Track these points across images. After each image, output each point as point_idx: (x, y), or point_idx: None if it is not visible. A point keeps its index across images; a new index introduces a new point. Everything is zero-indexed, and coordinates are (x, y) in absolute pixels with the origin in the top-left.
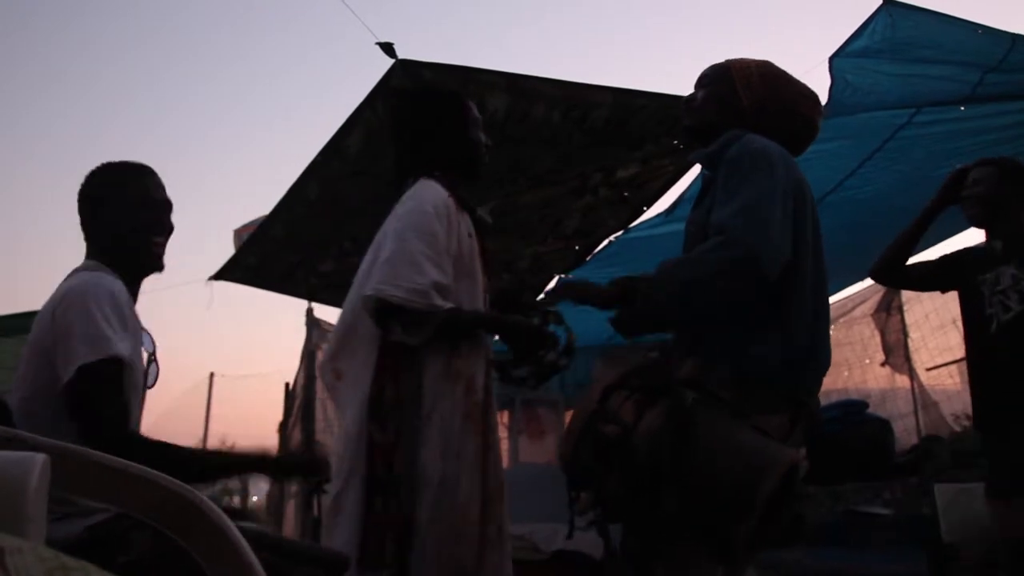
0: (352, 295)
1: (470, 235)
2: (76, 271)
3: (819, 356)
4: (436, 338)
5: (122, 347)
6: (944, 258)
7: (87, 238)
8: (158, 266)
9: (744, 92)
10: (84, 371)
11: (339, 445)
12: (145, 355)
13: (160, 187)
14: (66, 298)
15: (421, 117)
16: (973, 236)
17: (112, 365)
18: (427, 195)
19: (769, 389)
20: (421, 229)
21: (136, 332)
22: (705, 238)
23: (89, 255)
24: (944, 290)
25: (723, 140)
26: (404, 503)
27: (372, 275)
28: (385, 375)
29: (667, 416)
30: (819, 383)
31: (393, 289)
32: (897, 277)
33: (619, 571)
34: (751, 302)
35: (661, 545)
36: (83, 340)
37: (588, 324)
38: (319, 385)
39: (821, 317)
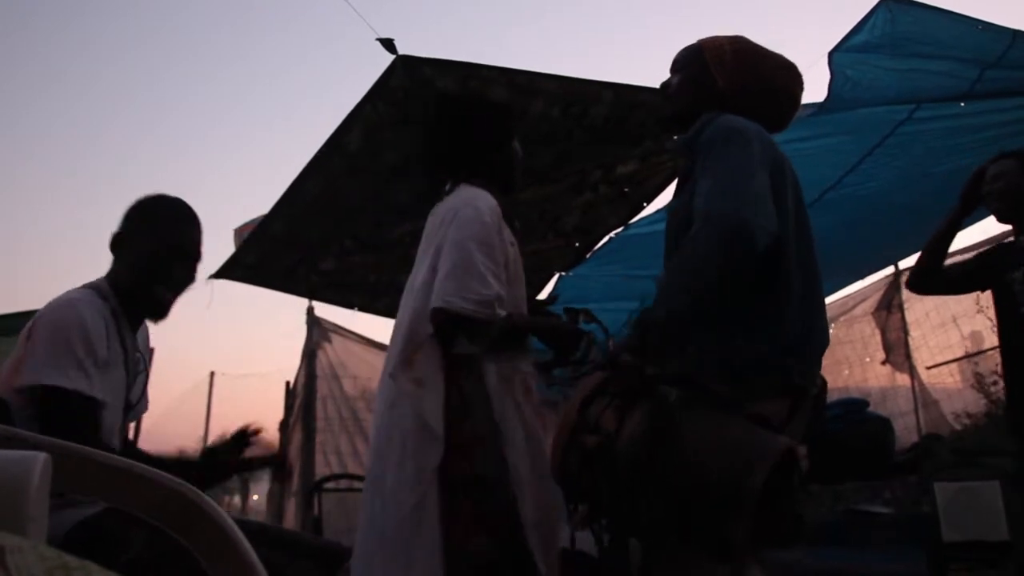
0: (412, 302)
1: (512, 244)
2: (73, 289)
3: (813, 337)
4: (495, 345)
5: (68, 379)
6: (977, 258)
7: (112, 263)
8: (159, 315)
9: (719, 72)
10: (32, 390)
11: (394, 452)
12: (128, 377)
13: (191, 238)
14: (43, 315)
15: (476, 126)
16: (978, 230)
17: (54, 393)
18: (482, 204)
19: (762, 376)
20: (481, 240)
21: (107, 360)
22: (689, 226)
23: (107, 276)
24: (982, 290)
25: (698, 124)
26: (502, 501)
27: (438, 286)
28: (451, 380)
29: (650, 418)
30: (817, 364)
31: (462, 302)
32: (934, 285)
33: (614, 572)
34: (743, 282)
35: (657, 550)
36: (37, 361)
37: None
38: (320, 384)
39: (812, 295)
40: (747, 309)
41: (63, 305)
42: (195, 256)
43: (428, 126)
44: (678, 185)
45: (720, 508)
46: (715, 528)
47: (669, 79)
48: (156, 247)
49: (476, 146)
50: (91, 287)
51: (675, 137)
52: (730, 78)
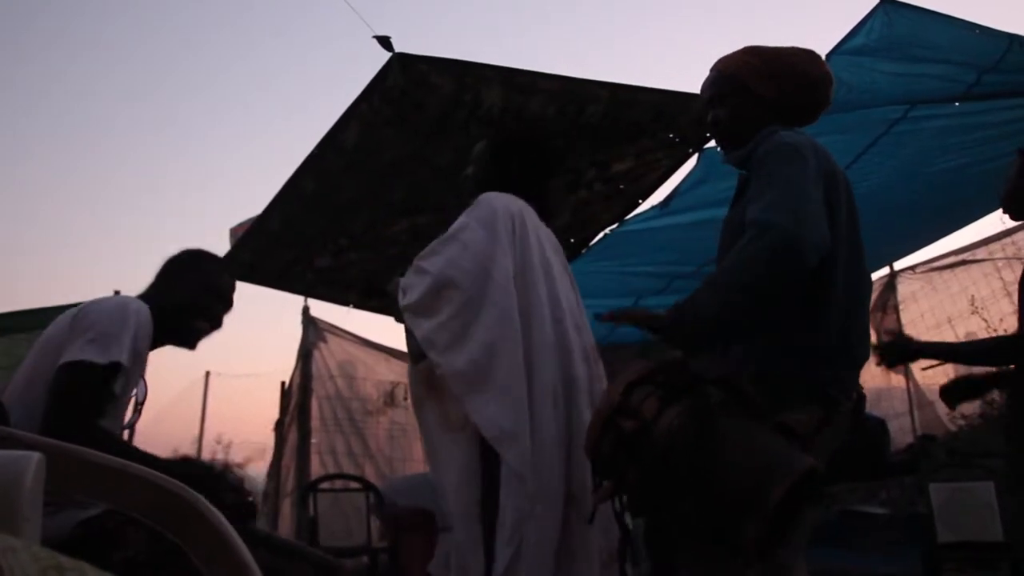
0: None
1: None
2: (121, 295)
3: (853, 351)
4: None
5: (126, 357)
6: None
7: (149, 291)
8: (193, 345)
9: (763, 86)
10: (73, 365)
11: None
12: (133, 401)
13: (233, 288)
14: (96, 304)
15: (531, 168)
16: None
17: (108, 369)
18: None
19: (796, 385)
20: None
21: (140, 360)
22: (741, 236)
23: (142, 296)
24: None
25: (756, 140)
26: None
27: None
28: None
29: (689, 414)
30: (854, 378)
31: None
32: None
33: (633, 560)
34: (788, 295)
35: (681, 541)
36: (96, 338)
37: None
38: (315, 384)
39: (857, 309)
40: (788, 319)
41: (120, 300)
42: (230, 302)
43: (478, 157)
44: (734, 198)
45: (739, 512)
46: (731, 530)
47: (715, 114)
48: (204, 290)
49: (514, 181)
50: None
51: (727, 152)
52: (773, 86)
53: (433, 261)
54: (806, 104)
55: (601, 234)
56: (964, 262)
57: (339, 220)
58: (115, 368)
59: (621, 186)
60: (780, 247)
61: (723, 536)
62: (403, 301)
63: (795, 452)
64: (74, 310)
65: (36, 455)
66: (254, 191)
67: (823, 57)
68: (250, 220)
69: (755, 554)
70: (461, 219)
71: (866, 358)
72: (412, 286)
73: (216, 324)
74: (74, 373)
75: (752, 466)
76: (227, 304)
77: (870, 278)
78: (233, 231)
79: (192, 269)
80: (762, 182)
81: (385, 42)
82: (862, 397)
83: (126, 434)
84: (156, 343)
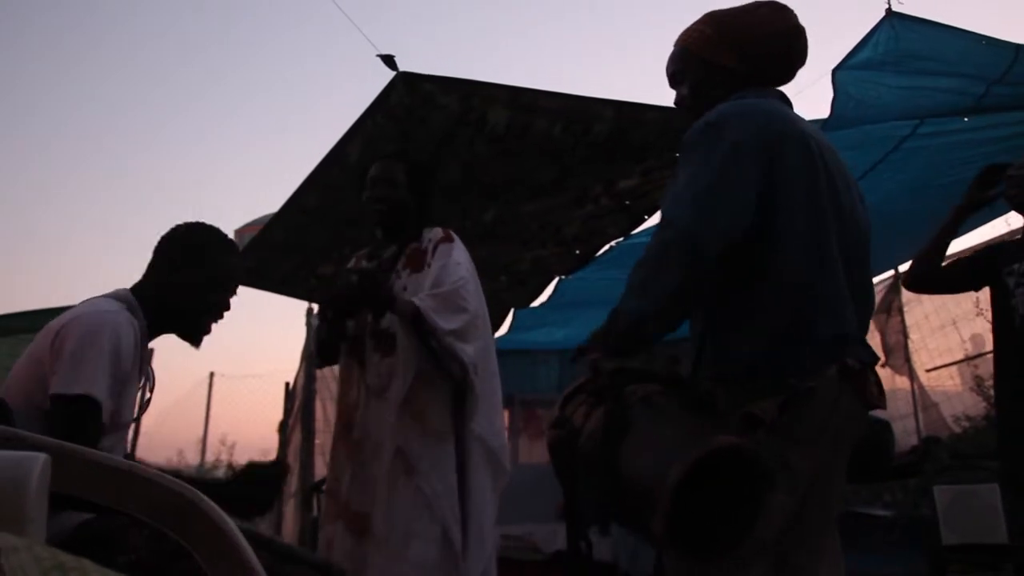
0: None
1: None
2: (98, 298)
3: (813, 330)
4: None
5: (99, 388)
6: (977, 255)
7: (147, 278)
8: (197, 343)
9: (717, 55)
10: (58, 399)
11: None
12: (138, 395)
13: (241, 268)
14: (74, 322)
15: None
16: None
17: (84, 402)
18: None
19: (750, 377)
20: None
21: (128, 377)
22: None
23: (135, 288)
24: (978, 288)
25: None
26: None
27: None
28: None
29: (604, 416)
30: (822, 359)
31: None
32: (932, 283)
33: (579, 571)
34: (706, 283)
35: (671, 553)
36: (69, 369)
37: (586, 328)
38: (319, 385)
39: (823, 283)
40: (731, 305)
41: (96, 316)
42: (238, 284)
43: (398, 180)
44: None
45: (642, 504)
46: (641, 523)
47: (679, 94)
48: (209, 278)
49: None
50: (118, 300)
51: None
52: (730, 54)
53: (469, 299)
54: (776, 64)
55: (607, 246)
56: None
57: (343, 232)
58: (88, 400)
59: (627, 202)
60: (673, 243)
61: (636, 530)
62: (444, 325)
63: (706, 436)
64: (55, 324)
65: (42, 456)
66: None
67: (829, 73)
68: (256, 221)
69: (664, 547)
70: (460, 255)
71: (845, 333)
72: (451, 317)
73: (224, 312)
74: (58, 410)
75: (654, 458)
76: (233, 289)
77: (860, 245)
78: (239, 232)
79: (199, 258)
80: (677, 172)
81: (389, 61)
82: (860, 374)
83: (131, 430)
84: (155, 333)
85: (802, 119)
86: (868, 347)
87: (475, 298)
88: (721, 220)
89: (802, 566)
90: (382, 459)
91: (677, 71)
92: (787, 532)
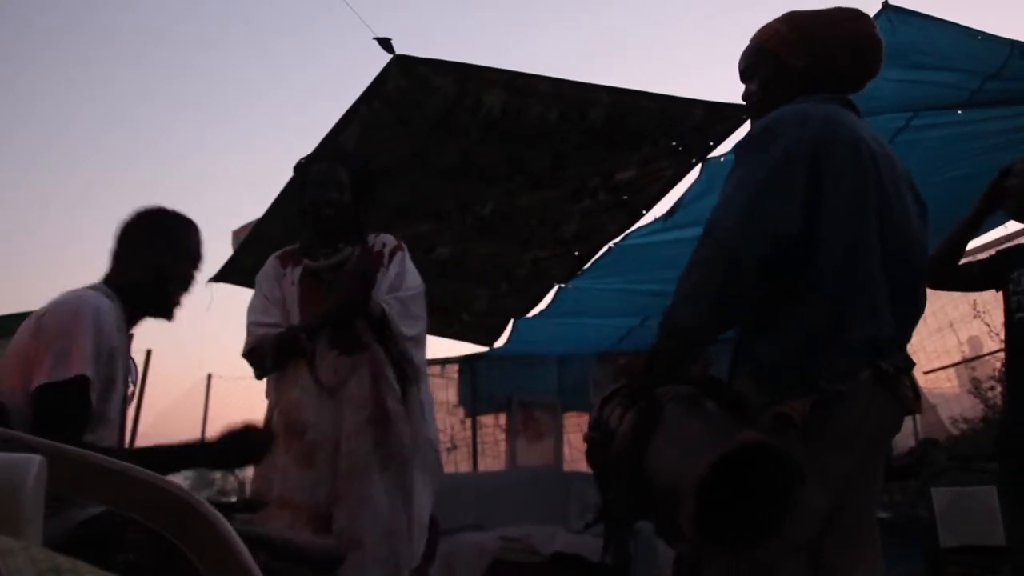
0: None
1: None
2: (77, 290)
3: (847, 333)
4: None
5: (88, 366)
6: (991, 258)
7: (113, 267)
8: (169, 316)
9: (790, 55)
10: (47, 388)
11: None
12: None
13: (200, 243)
14: (55, 308)
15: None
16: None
17: (75, 384)
18: None
19: (783, 379)
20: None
21: (113, 364)
22: None
23: (106, 280)
24: (995, 288)
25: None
26: None
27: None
28: None
29: (636, 417)
30: (855, 363)
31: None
32: (947, 281)
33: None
34: (752, 290)
35: (711, 553)
36: (59, 352)
37: (585, 330)
38: None
39: (860, 287)
40: (774, 309)
41: (74, 299)
42: (200, 258)
43: (343, 184)
44: None
45: (669, 499)
46: (668, 519)
47: (747, 89)
48: (170, 252)
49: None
50: (94, 289)
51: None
52: (802, 55)
53: (423, 310)
54: (846, 71)
55: (605, 247)
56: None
57: None
58: (83, 381)
59: (624, 196)
60: (719, 251)
61: (663, 527)
62: (406, 331)
63: (732, 433)
64: (35, 316)
65: (37, 458)
66: (256, 192)
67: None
68: (252, 223)
69: (691, 542)
70: (412, 266)
71: (881, 336)
72: (412, 323)
73: (189, 284)
74: (46, 398)
75: (681, 455)
76: (196, 261)
77: (909, 251)
78: (236, 234)
79: (156, 235)
80: (728, 174)
81: (386, 44)
82: (895, 377)
83: (129, 431)
84: (133, 321)
85: (863, 124)
86: (904, 352)
87: (425, 310)
88: (768, 231)
89: (837, 567)
90: (341, 457)
91: (749, 66)
92: (821, 533)
